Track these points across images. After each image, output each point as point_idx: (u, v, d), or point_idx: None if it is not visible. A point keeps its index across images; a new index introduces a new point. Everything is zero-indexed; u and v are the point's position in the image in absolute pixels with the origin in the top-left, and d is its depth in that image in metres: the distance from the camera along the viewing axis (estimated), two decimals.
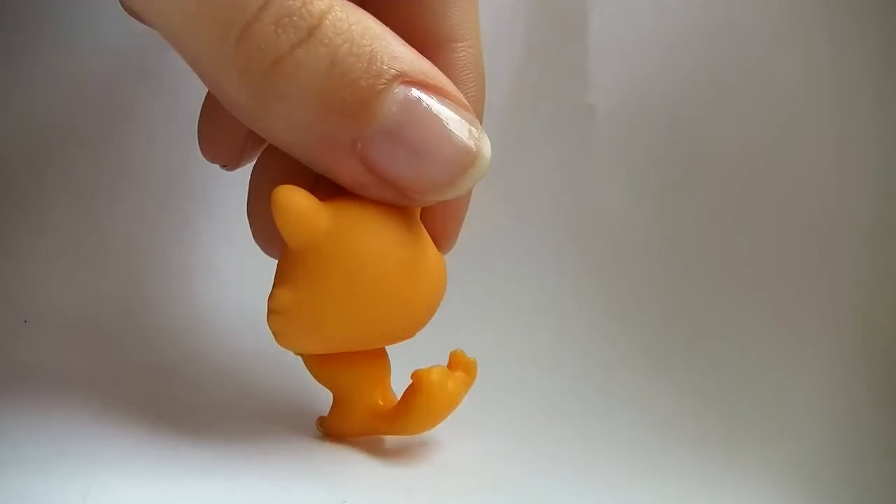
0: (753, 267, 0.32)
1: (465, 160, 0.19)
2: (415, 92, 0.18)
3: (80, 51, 0.33)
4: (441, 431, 0.24)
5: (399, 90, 0.18)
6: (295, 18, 0.18)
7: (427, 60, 0.19)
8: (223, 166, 0.25)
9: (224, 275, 0.27)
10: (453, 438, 0.25)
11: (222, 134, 0.24)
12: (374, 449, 0.23)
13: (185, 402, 0.25)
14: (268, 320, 0.20)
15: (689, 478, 0.23)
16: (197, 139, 0.24)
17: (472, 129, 0.19)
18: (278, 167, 0.24)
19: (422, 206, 0.21)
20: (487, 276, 0.33)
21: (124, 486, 0.19)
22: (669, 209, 0.33)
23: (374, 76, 0.18)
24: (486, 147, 0.19)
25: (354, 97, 0.18)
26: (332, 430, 0.23)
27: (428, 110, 0.19)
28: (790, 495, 0.23)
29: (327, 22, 0.18)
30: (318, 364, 0.22)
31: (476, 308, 0.32)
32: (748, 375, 0.30)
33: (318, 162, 0.19)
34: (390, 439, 0.24)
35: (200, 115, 0.24)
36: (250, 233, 0.25)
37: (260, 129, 0.19)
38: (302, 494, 0.20)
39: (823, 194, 0.32)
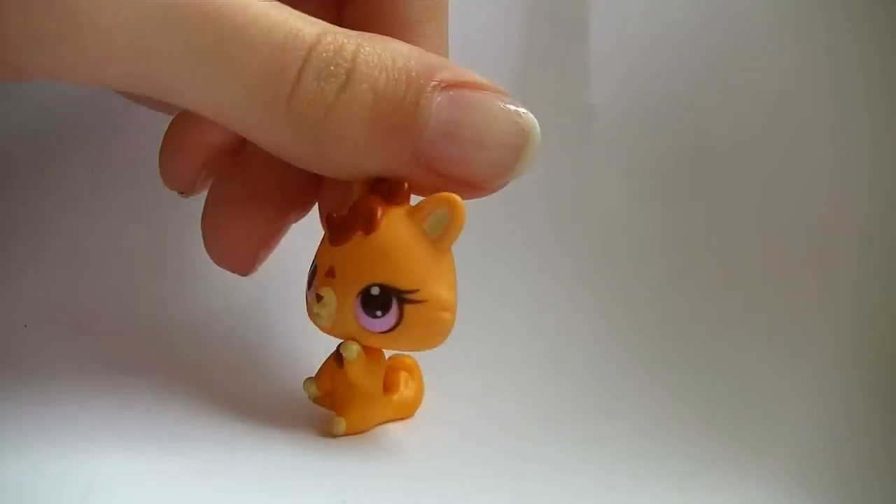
0: (752, 268, 0.32)
1: (520, 139, 0.21)
2: (455, 93, 0.20)
3: None
4: (440, 432, 0.24)
5: (441, 97, 0.20)
6: (332, 68, 0.19)
7: (452, 62, 0.21)
8: (180, 193, 0.26)
9: (226, 276, 0.27)
10: (452, 439, 0.25)
11: (180, 164, 0.25)
12: (374, 449, 0.23)
13: (185, 403, 0.25)
14: (444, 323, 0.22)
15: (686, 479, 0.23)
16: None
17: (517, 109, 0.21)
18: (236, 191, 0.25)
19: (491, 192, 0.22)
20: (486, 276, 0.33)
21: (124, 486, 0.19)
22: (669, 209, 0.33)
23: (415, 93, 0.20)
24: (534, 122, 0.21)
25: (404, 118, 0.20)
26: (357, 426, 0.24)
27: (473, 104, 0.20)
28: (787, 497, 0.23)
29: (360, 60, 0.20)
30: (377, 362, 0.24)
31: (474, 308, 0.32)
32: (746, 376, 0.29)
33: (390, 173, 0.21)
34: (389, 439, 0.24)
35: (162, 145, 0.25)
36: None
37: (324, 171, 0.21)
38: (302, 494, 0.20)
39: (822, 195, 0.32)
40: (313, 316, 0.22)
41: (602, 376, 0.30)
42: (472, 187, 0.21)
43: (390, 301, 0.21)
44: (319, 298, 0.22)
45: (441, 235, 0.22)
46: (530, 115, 0.21)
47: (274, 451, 0.22)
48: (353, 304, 0.21)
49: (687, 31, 0.34)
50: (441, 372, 0.26)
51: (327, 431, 0.23)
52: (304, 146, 0.20)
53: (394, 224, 0.21)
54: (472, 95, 0.20)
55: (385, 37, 0.20)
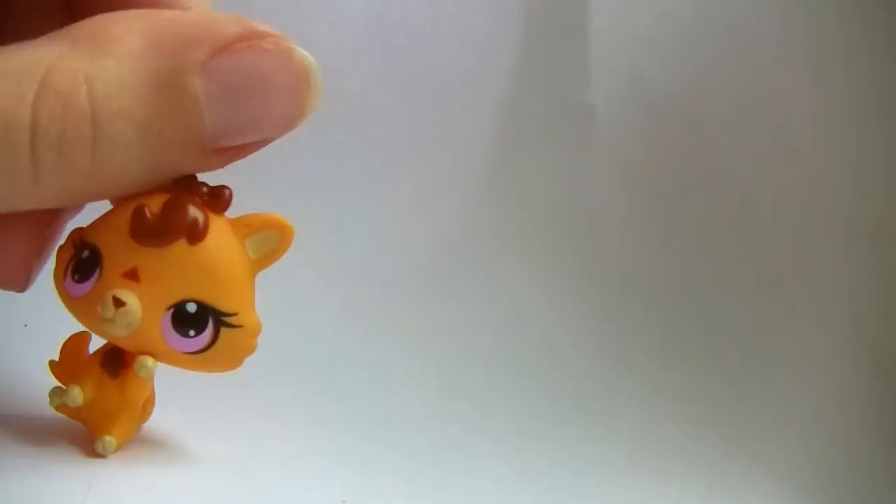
0: (752, 267, 0.32)
1: (301, 81, 0.19)
2: (219, 67, 0.18)
3: None
4: (439, 431, 0.24)
5: (207, 84, 0.18)
6: (71, 133, 0.17)
7: (202, 15, 0.19)
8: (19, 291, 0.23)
9: None
10: (452, 438, 0.25)
11: (4, 263, 0.22)
12: (374, 449, 0.23)
13: (184, 403, 0.25)
14: (251, 349, 0.20)
15: (687, 478, 0.23)
16: None
17: (288, 47, 0.19)
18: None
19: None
20: (486, 276, 0.33)
21: (124, 486, 0.19)
22: (669, 209, 0.33)
23: (178, 97, 0.18)
24: (308, 57, 0.19)
25: (177, 128, 0.18)
26: (124, 442, 0.21)
27: (242, 70, 0.18)
28: (789, 496, 0.23)
29: (99, 104, 0.17)
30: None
31: (474, 307, 0.32)
32: (746, 376, 0.30)
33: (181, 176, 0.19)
34: (389, 438, 0.24)
35: None
36: None
37: (99, 196, 0.19)
38: (302, 494, 0.20)
39: (823, 194, 0.32)
40: (104, 321, 0.19)
41: (601, 376, 0.30)
42: (266, 143, 0.19)
43: (207, 321, 0.19)
44: (120, 304, 0.19)
45: (263, 258, 0.20)
46: (301, 50, 0.19)
47: (274, 451, 0.22)
48: (161, 318, 0.19)
49: (687, 32, 0.34)
50: (440, 369, 0.26)
51: (94, 453, 0.21)
52: (57, 185, 0.17)
53: (220, 237, 0.19)
54: (238, 61, 0.18)
55: (110, 33, 0.17)
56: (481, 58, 0.33)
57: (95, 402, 0.20)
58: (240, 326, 0.20)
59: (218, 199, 0.20)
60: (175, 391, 0.26)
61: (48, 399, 0.21)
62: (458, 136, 0.34)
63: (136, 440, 0.21)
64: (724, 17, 0.34)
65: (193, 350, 0.20)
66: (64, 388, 0.21)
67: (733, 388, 0.29)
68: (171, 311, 0.19)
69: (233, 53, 0.18)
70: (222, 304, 0.19)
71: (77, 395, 0.20)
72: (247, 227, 0.20)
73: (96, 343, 0.21)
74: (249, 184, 0.29)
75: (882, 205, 0.32)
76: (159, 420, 0.23)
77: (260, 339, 0.23)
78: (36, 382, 0.25)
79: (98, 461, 0.20)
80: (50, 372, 0.22)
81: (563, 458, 0.24)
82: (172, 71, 0.17)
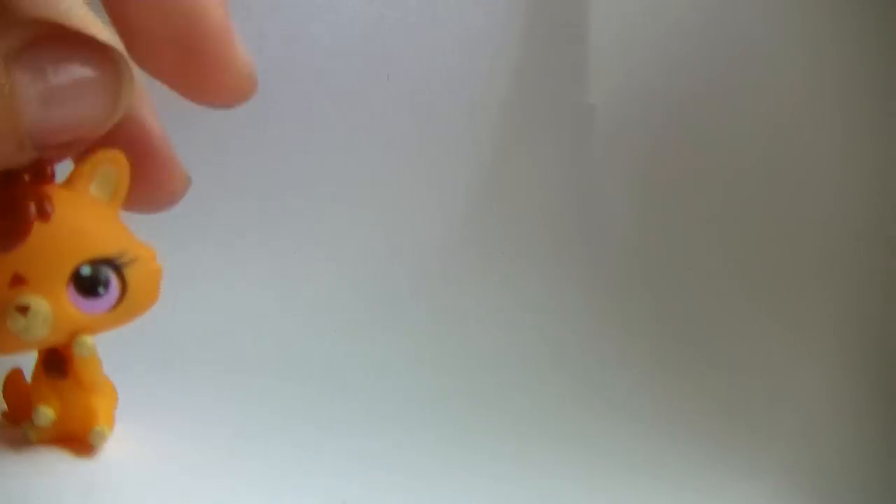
0: (753, 267, 0.32)
1: (113, 77, 0.18)
2: (31, 51, 0.17)
3: None
4: (439, 431, 0.24)
5: (23, 74, 0.17)
6: None
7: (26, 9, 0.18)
8: None
9: (229, 276, 0.27)
10: (453, 438, 0.25)
11: None
12: (374, 449, 0.23)
13: (184, 403, 0.25)
14: (159, 272, 0.21)
15: (688, 478, 0.23)
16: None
17: (97, 40, 0.18)
18: None
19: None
20: (485, 276, 0.33)
21: (124, 486, 0.19)
22: (669, 209, 0.33)
23: None
24: (118, 49, 0.18)
25: None
26: (112, 423, 0.21)
27: (55, 59, 0.17)
28: (790, 495, 0.23)
29: None
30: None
31: (474, 307, 0.32)
32: (747, 376, 0.30)
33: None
34: (389, 438, 0.24)
35: None
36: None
37: None
38: (302, 494, 0.20)
39: (823, 194, 0.32)
40: (22, 333, 0.19)
41: (601, 376, 0.30)
42: (85, 141, 0.19)
43: (107, 273, 0.20)
44: (25, 310, 0.19)
45: (114, 194, 0.20)
46: (110, 43, 0.18)
47: (274, 451, 0.22)
48: (67, 296, 0.19)
49: (686, 32, 0.34)
50: (441, 369, 0.26)
51: (89, 448, 0.21)
52: None
53: (65, 201, 0.19)
54: (55, 52, 0.17)
55: None
56: (481, 58, 0.33)
57: (65, 409, 0.20)
58: (135, 259, 0.20)
59: (41, 173, 0.19)
60: (175, 391, 0.26)
61: (28, 437, 0.20)
62: (457, 136, 0.34)
63: (136, 440, 0.21)
64: (723, 18, 0.34)
65: (114, 303, 0.20)
66: (30, 419, 0.20)
67: (733, 387, 0.29)
68: (71, 284, 0.19)
69: (51, 43, 0.17)
70: (107, 252, 0.20)
71: (47, 413, 0.20)
72: (82, 178, 0.20)
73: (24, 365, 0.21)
74: (249, 184, 0.30)
75: (882, 205, 0.32)
76: (159, 420, 0.23)
77: (260, 340, 0.24)
78: None
79: (98, 461, 0.20)
80: (7, 423, 0.22)
81: (563, 457, 0.24)
82: None
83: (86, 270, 0.19)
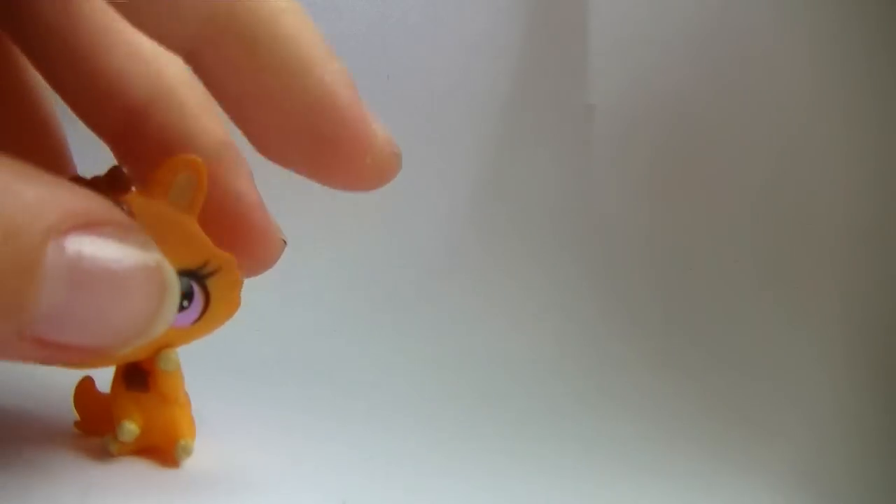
0: (753, 266, 0.32)
1: (152, 304, 0.16)
2: (71, 245, 0.14)
3: None
4: (439, 431, 0.24)
5: (53, 252, 0.14)
6: None
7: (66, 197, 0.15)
8: None
9: None
10: (453, 438, 0.25)
11: None
12: (375, 449, 0.23)
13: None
14: (241, 280, 0.20)
15: (689, 477, 0.23)
16: None
17: (147, 252, 0.16)
18: None
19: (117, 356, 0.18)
20: (487, 276, 0.33)
21: (124, 487, 0.19)
22: (669, 209, 0.33)
23: (23, 241, 0.14)
24: (170, 271, 0.16)
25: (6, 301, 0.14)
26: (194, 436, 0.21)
27: (94, 263, 0.15)
28: (790, 495, 0.23)
29: None
30: None
31: (474, 307, 0.32)
32: (748, 375, 0.30)
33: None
34: (389, 438, 0.24)
35: None
36: None
37: None
38: (302, 494, 0.19)
39: (823, 193, 0.32)
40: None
41: (602, 376, 0.30)
42: (96, 357, 0.16)
43: (189, 285, 0.19)
44: None
45: (192, 201, 0.19)
46: (164, 260, 0.16)
47: (274, 451, 0.22)
48: None
49: (686, 32, 0.34)
50: (441, 369, 0.26)
51: (173, 462, 0.20)
52: None
53: (142, 208, 0.19)
54: (91, 246, 0.15)
55: None
56: (481, 58, 0.33)
57: (147, 422, 0.20)
58: (218, 270, 0.20)
59: (118, 181, 0.19)
60: None
61: (108, 450, 0.20)
62: (458, 136, 0.34)
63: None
64: (723, 17, 0.34)
65: (197, 316, 0.20)
66: (114, 433, 0.20)
67: (734, 387, 0.29)
68: None
69: (96, 233, 0.15)
70: (190, 262, 0.19)
71: (132, 429, 0.20)
72: (160, 185, 0.19)
73: (100, 378, 0.21)
74: None
75: (886, 205, 0.32)
76: None
77: (260, 340, 0.24)
78: (34, 382, 0.25)
79: (98, 461, 0.20)
80: (80, 432, 0.21)
81: (567, 456, 0.24)
82: (22, 224, 0.14)
83: None
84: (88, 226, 0.15)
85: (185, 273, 0.19)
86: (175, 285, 0.17)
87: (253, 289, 0.21)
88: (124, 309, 0.16)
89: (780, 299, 0.32)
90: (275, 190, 0.35)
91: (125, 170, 0.19)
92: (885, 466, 0.25)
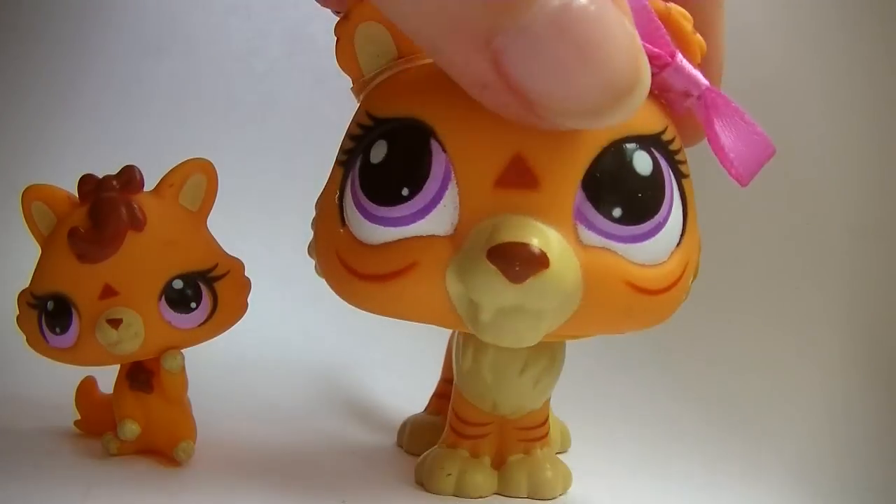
0: (753, 267, 0.32)
1: (622, 85, 0.15)
2: None
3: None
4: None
5: None
6: None
7: None
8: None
9: None
10: None
11: None
12: (375, 450, 0.23)
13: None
14: (249, 283, 0.21)
15: (690, 476, 0.23)
16: None
17: (634, 44, 0.15)
18: None
19: (548, 128, 0.16)
20: None
21: (124, 486, 0.19)
22: None
23: None
24: (647, 71, 0.15)
25: None
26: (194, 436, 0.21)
27: (591, 14, 0.14)
28: (790, 495, 0.23)
29: None
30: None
31: None
32: (748, 375, 0.30)
33: (442, 52, 0.15)
34: (389, 438, 0.24)
35: None
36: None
37: (388, 9, 0.16)
38: (302, 494, 0.19)
39: (823, 194, 0.32)
40: (113, 346, 0.19)
41: (602, 376, 0.30)
42: (528, 111, 0.15)
43: (198, 287, 0.19)
44: (117, 323, 0.19)
45: (203, 203, 0.20)
46: (645, 59, 0.15)
47: (274, 452, 0.22)
48: (159, 309, 0.19)
49: None
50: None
51: (174, 462, 0.20)
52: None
53: (156, 210, 0.19)
54: (597, 3, 0.14)
55: None
56: None
57: (149, 422, 0.20)
58: (227, 273, 0.20)
59: (131, 181, 0.19)
60: None
61: (107, 449, 0.20)
62: None
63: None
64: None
65: (205, 318, 0.20)
66: (114, 432, 0.20)
67: (734, 387, 0.29)
68: (163, 298, 0.19)
69: None
70: (199, 265, 0.20)
71: (133, 428, 0.20)
72: (172, 187, 0.20)
73: (101, 377, 0.22)
74: (248, 186, 0.30)
75: (883, 206, 0.32)
76: None
77: (260, 340, 0.23)
78: (34, 384, 0.25)
79: (97, 461, 0.20)
80: (80, 431, 0.22)
81: (565, 456, 0.24)
82: None
83: (178, 284, 0.19)
84: None
85: (194, 275, 0.20)
86: (644, 91, 0.15)
87: (252, 287, 0.21)
88: (590, 79, 0.14)
89: (781, 300, 0.32)
90: (275, 189, 0.35)
91: (135, 169, 0.20)
92: (885, 466, 0.25)
